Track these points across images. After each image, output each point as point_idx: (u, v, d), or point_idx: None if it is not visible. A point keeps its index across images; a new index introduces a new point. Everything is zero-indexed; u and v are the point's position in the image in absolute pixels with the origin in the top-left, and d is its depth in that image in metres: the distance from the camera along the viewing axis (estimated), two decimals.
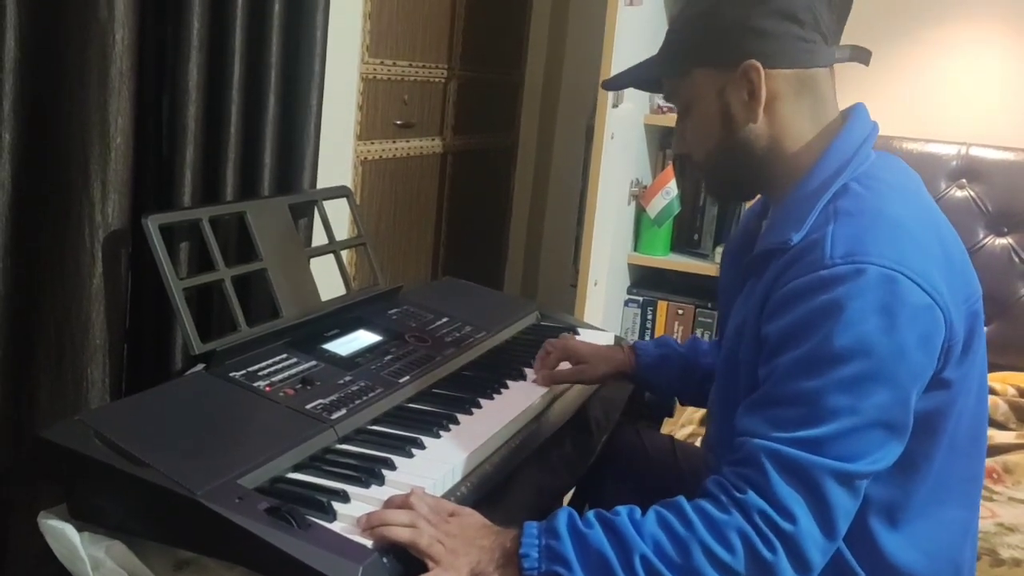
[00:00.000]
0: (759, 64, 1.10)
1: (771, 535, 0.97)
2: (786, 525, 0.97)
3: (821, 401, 0.99)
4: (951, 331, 1.03)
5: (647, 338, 2.72)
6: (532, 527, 1.02)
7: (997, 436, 1.94)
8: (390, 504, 1.05)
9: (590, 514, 1.03)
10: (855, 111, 1.17)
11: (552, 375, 1.50)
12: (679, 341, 1.55)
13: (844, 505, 1.00)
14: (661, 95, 2.51)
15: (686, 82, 1.18)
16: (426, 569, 1.00)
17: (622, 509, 1.03)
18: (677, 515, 1.00)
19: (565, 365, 1.52)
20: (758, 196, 1.30)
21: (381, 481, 1.12)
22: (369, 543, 0.99)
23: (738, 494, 1.00)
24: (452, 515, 1.06)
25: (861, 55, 1.17)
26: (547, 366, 1.51)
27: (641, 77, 1.27)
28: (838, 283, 1.00)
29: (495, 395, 1.43)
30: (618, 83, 1.31)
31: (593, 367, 1.51)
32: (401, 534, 1.00)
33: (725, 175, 1.21)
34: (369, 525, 1.01)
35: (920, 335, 1.00)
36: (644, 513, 1.02)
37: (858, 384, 0.99)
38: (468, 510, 1.09)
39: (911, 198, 1.11)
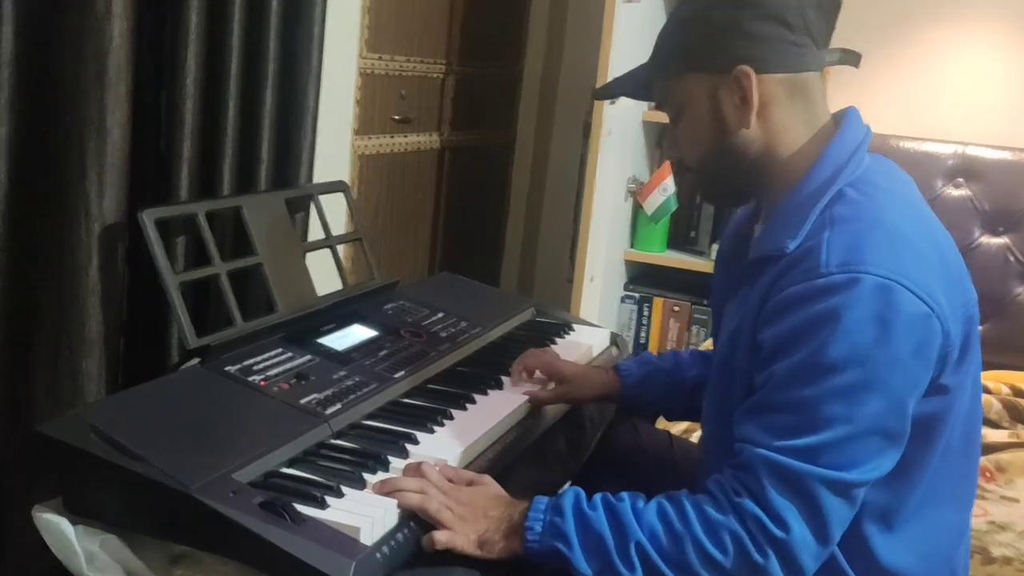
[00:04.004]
0: (750, 70, 1.09)
1: (763, 542, 0.99)
2: (779, 533, 0.99)
3: (816, 409, 0.99)
4: (948, 339, 1.03)
5: (643, 335, 2.72)
6: (541, 502, 1.07)
7: (990, 435, 1.95)
8: (404, 472, 1.11)
9: (596, 497, 1.07)
10: (847, 115, 1.15)
11: (536, 396, 1.43)
12: (659, 354, 1.53)
13: (839, 513, 1.00)
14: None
15: (677, 85, 1.16)
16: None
17: (626, 495, 1.06)
18: (676, 509, 1.03)
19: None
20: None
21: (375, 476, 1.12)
22: (362, 539, 0.99)
23: (736, 498, 1.01)
24: (470, 483, 1.11)
25: (850, 58, 1.16)
26: (529, 381, 1.47)
27: (633, 83, 1.25)
28: (834, 292, 0.99)
29: (490, 391, 1.43)
30: (610, 91, 1.31)
31: (577, 389, 1.47)
32: (411, 499, 1.05)
33: (718, 180, 1.19)
34: (382, 492, 1.06)
35: (916, 344, 1.00)
36: (648, 502, 1.05)
37: (853, 393, 0.98)
38: (487, 478, 1.13)
39: (907, 204, 1.11)
